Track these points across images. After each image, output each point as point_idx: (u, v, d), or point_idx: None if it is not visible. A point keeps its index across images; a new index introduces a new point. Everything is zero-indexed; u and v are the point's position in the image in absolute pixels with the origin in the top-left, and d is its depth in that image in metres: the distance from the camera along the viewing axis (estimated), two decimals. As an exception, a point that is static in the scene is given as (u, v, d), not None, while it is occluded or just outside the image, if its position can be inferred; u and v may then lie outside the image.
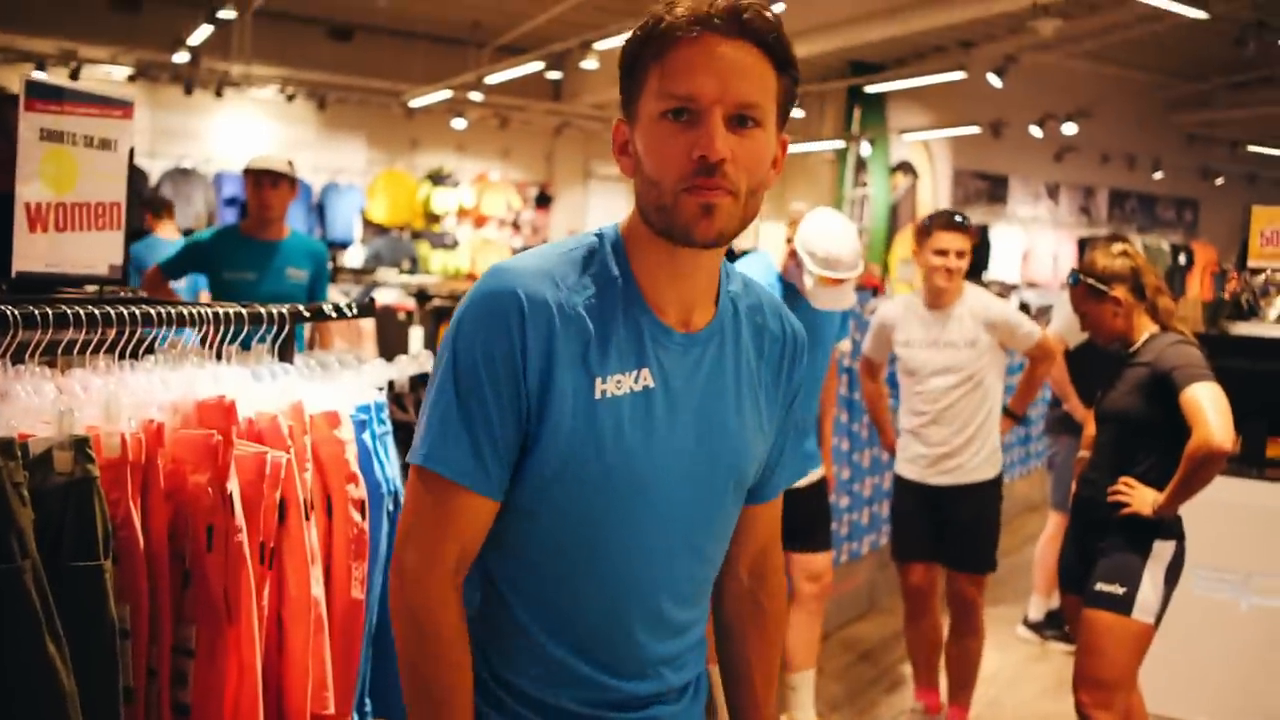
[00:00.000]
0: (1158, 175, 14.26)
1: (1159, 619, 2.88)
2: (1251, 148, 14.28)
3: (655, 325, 1.30)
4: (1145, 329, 3.04)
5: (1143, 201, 15.01)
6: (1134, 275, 3.05)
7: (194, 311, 1.83)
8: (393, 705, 2.00)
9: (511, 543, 1.31)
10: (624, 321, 1.28)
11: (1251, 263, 6.27)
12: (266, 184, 4.19)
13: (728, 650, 1.56)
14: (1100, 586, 2.91)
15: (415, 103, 11.30)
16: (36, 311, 1.57)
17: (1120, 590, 2.87)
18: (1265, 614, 3.86)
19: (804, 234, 3.30)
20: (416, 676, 1.29)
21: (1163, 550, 2.89)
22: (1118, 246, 3.13)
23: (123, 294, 2.02)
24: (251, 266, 4.15)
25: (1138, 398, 2.95)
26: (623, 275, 1.30)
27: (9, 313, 1.53)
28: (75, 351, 1.68)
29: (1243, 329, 5.98)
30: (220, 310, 1.87)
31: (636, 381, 1.28)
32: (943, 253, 3.64)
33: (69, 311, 1.61)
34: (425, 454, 1.26)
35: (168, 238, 6.35)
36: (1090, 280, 3.07)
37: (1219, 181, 15.09)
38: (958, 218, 3.69)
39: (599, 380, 1.25)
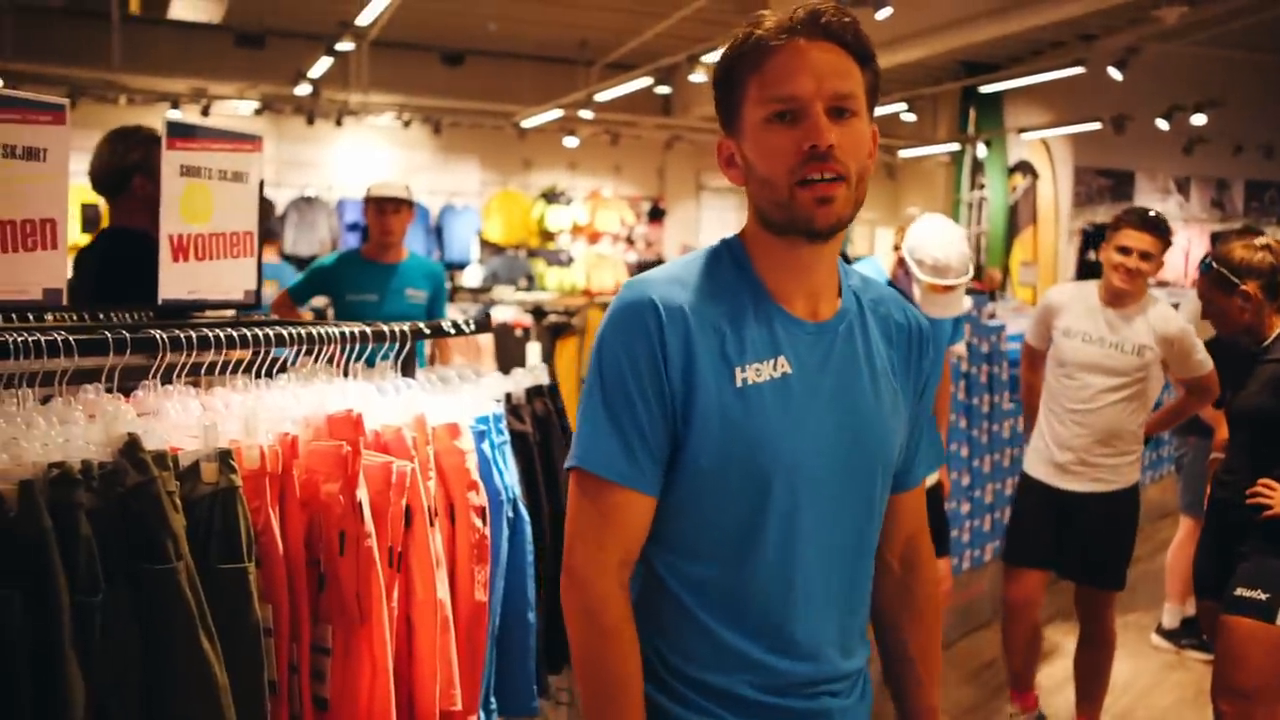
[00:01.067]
0: (1299, 165, 13.63)
1: None
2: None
3: (785, 317, 1.38)
4: (1277, 326, 2.95)
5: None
6: (1272, 273, 2.95)
7: (322, 332, 1.93)
8: (517, 704, 2.08)
9: (673, 536, 1.38)
10: (755, 315, 1.37)
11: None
12: (389, 210, 4.36)
13: (888, 640, 1.60)
14: (1241, 592, 2.81)
15: (527, 123, 11.53)
16: (181, 335, 1.69)
17: (1263, 596, 2.78)
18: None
19: (911, 241, 3.27)
20: (590, 670, 1.36)
21: None
22: (1261, 240, 3.03)
23: (257, 317, 2.15)
24: (373, 289, 4.32)
25: (1273, 396, 2.86)
26: (748, 275, 1.40)
27: (158, 337, 1.65)
28: (216, 372, 1.79)
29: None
30: (346, 329, 1.97)
31: (775, 369, 1.35)
32: (1126, 250, 3.41)
33: (210, 334, 1.73)
34: (580, 457, 1.35)
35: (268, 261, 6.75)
36: (1224, 270, 2.99)
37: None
38: (1151, 214, 3.43)
39: (738, 369, 1.34)
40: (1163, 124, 11.48)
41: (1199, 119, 11.33)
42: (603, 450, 1.34)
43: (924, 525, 1.60)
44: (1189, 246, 12.75)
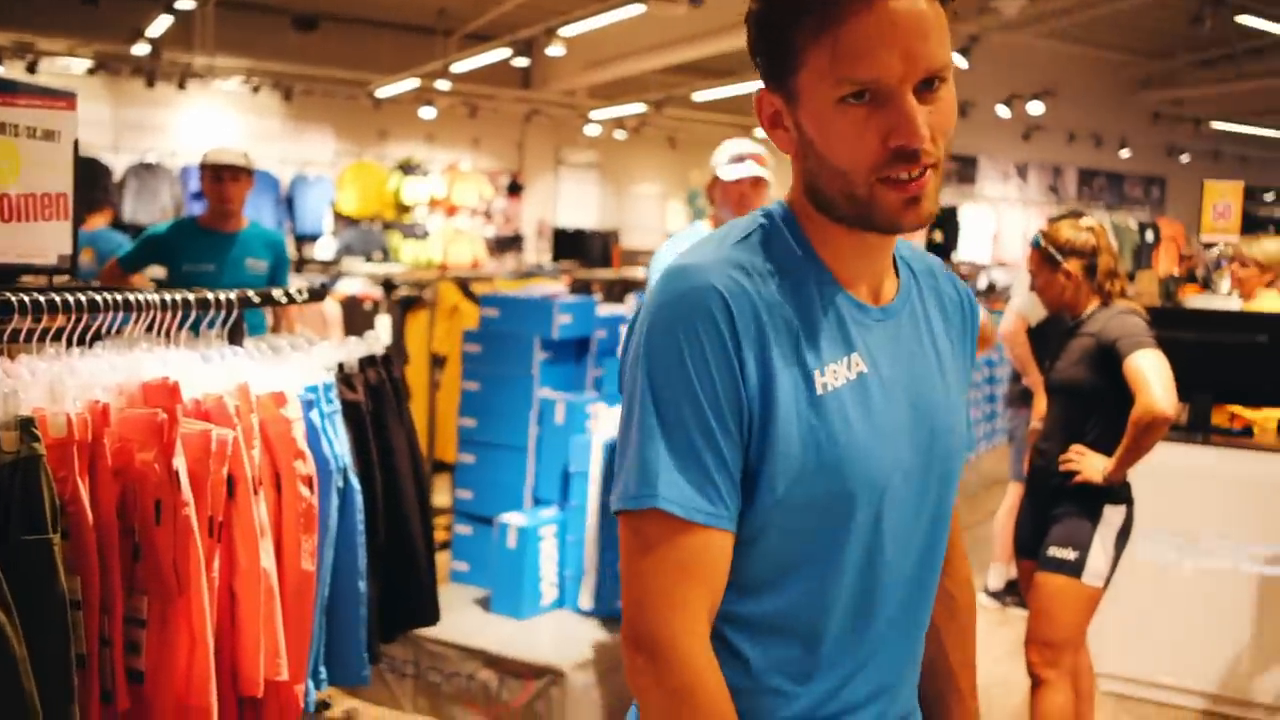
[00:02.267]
0: (1124, 153, 14.39)
1: (1108, 582, 2.98)
2: (1215, 124, 14.43)
3: (851, 303, 1.15)
4: (1092, 303, 3.13)
5: (1110, 179, 15.14)
6: (1091, 254, 3.12)
7: (141, 298, 1.88)
8: (348, 673, 2.07)
9: (734, 579, 1.11)
10: (822, 304, 1.13)
11: (1204, 237, 6.40)
12: (226, 177, 4.23)
13: (929, 651, 1.36)
14: (1052, 551, 3.00)
15: (382, 92, 11.30)
16: (-16, 298, 1.62)
17: (1072, 555, 2.96)
18: (1209, 575, 3.97)
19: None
20: None
21: (1113, 515, 2.98)
22: (1087, 221, 3.19)
23: (72, 283, 2.07)
24: (210, 258, 4.19)
25: (1084, 368, 3.04)
26: (807, 255, 1.14)
27: (-44, 299, 1.58)
28: (23, 339, 1.73)
29: (1196, 302, 6.10)
30: (168, 296, 1.92)
31: (850, 369, 1.12)
32: None
33: (14, 299, 1.67)
34: (642, 495, 1.06)
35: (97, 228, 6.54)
36: (1050, 248, 3.16)
37: (1184, 159, 15.24)
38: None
39: (818, 373, 1.09)
40: (1003, 111, 11.98)
41: (1036, 107, 11.86)
42: (673, 483, 1.05)
43: (958, 526, 1.36)
44: (1026, 230, 13.35)
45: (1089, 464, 2.97)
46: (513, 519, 3.97)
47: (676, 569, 1.06)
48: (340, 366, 2.20)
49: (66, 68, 10.11)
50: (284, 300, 2.20)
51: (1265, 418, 4.29)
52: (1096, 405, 3.02)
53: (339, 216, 11.46)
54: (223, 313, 2.03)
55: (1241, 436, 4.16)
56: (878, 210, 1.07)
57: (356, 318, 5.44)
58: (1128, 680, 4.02)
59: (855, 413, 1.10)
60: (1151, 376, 2.84)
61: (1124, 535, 3.01)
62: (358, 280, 6.05)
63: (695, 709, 1.05)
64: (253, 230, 4.39)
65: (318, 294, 2.38)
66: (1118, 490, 3.00)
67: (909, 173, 1.05)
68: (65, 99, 1.96)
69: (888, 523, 1.13)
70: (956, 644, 1.37)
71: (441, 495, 5.90)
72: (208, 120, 11.03)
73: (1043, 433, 3.20)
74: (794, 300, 1.11)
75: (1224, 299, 5.63)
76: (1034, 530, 3.15)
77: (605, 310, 4.84)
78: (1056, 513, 3.05)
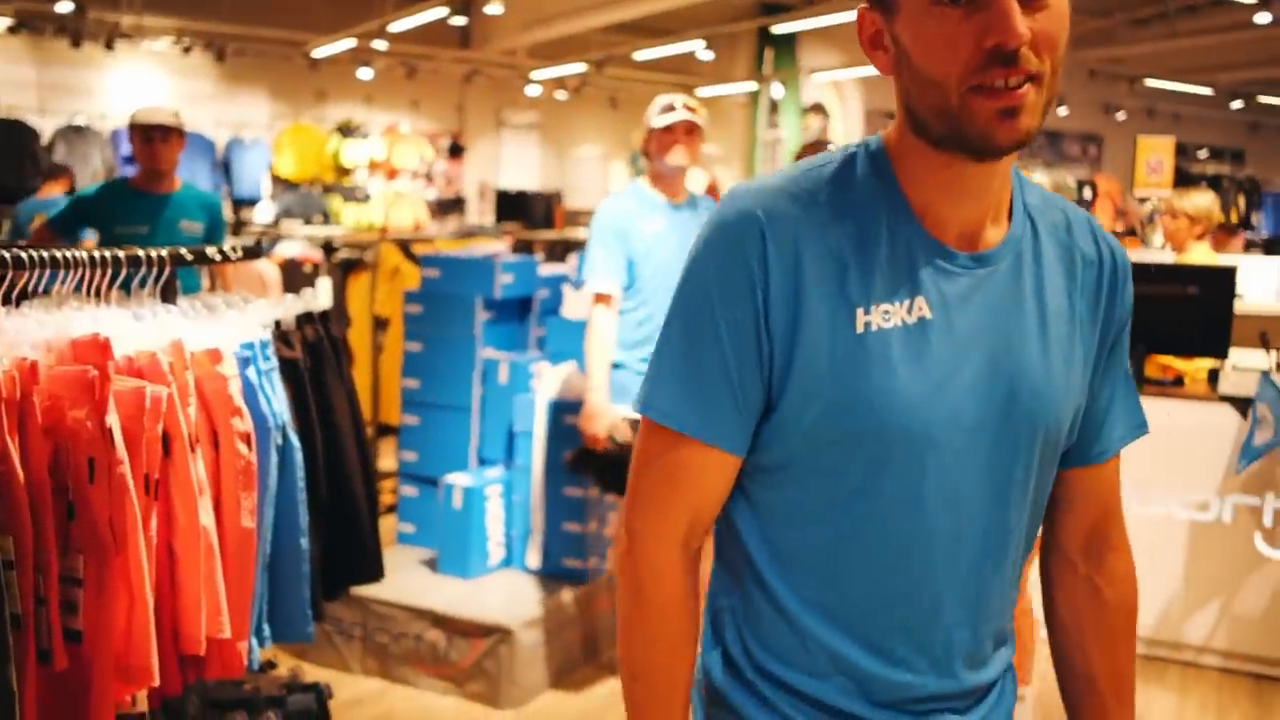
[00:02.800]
0: (1062, 111, 14.57)
1: None
2: (1150, 82, 14.65)
3: (931, 245, 1.08)
4: None
5: (1049, 137, 15.35)
6: None
7: (71, 255, 1.84)
8: (291, 630, 2.06)
9: (768, 506, 1.14)
10: (890, 241, 1.08)
11: (1138, 192, 6.51)
12: (156, 138, 4.13)
13: (1063, 651, 1.29)
14: None
15: (319, 53, 11.09)
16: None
17: None
18: (1142, 522, 4.08)
19: None
20: (633, 650, 1.16)
21: None
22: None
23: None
24: (143, 220, 4.10)
25: None
26: (888, 189, 1.09)
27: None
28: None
29: (1131, 256, 6.18)
30: (98, 254, 1.88)
31: (910, 312, 1.06)
32: None
33: (-64, 254, 1.63)
34: (647, 404, 1.11)
35: (52, 196, 6.34)
36: None
37: (1120, 116, 15.47)
38: None
39: (861, 311, 1.05)
40: (943, 69, 11.99)
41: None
42: (674, 397, 1.09)
43: (1116, 510, 1.28)
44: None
45: None
46: (458, 479, 3.97)
47: (662, 475, 1.12)
48: (277, 324, 2.18)
49: (-15, 27, 9.81)
50: (218, 258, 2.17)
51: (1196, 368, 4.39)
52: None
53: (277, 180, 11.27)
54: (154, 271, 2.00)
55: (1174, 386, 4.26)
56: (969, 123, 0.99)
57: (296, 281, 5.37)
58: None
59: (903, 357, 1.05)
60: None
61: None
62: (297, 243, 5.96)
63: (644, 602, 1.14)
64: (187, 192, 4.31)
65: (253, 252, 2.35)
66: None
67: (1005, 80, 0.97)
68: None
69: (936, 477, 1.08)
70: (1103, 649, 1.26)
71: (387, 458, 5.88)
72: (137, 82, 10.75)
73: None
74: (855, 234, 1.07)
75: (1157, 252, 5.76)
76: None
77: (548, 270, 4.83)
78: None
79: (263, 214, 10.73)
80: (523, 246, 7.42)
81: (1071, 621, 1.27)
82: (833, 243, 1.06)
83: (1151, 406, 4.03)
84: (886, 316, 1.06)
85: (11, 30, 9.77)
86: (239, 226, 7.63)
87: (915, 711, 1.14)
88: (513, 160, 13.69)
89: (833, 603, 1.12)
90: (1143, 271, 4.58)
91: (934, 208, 1.09)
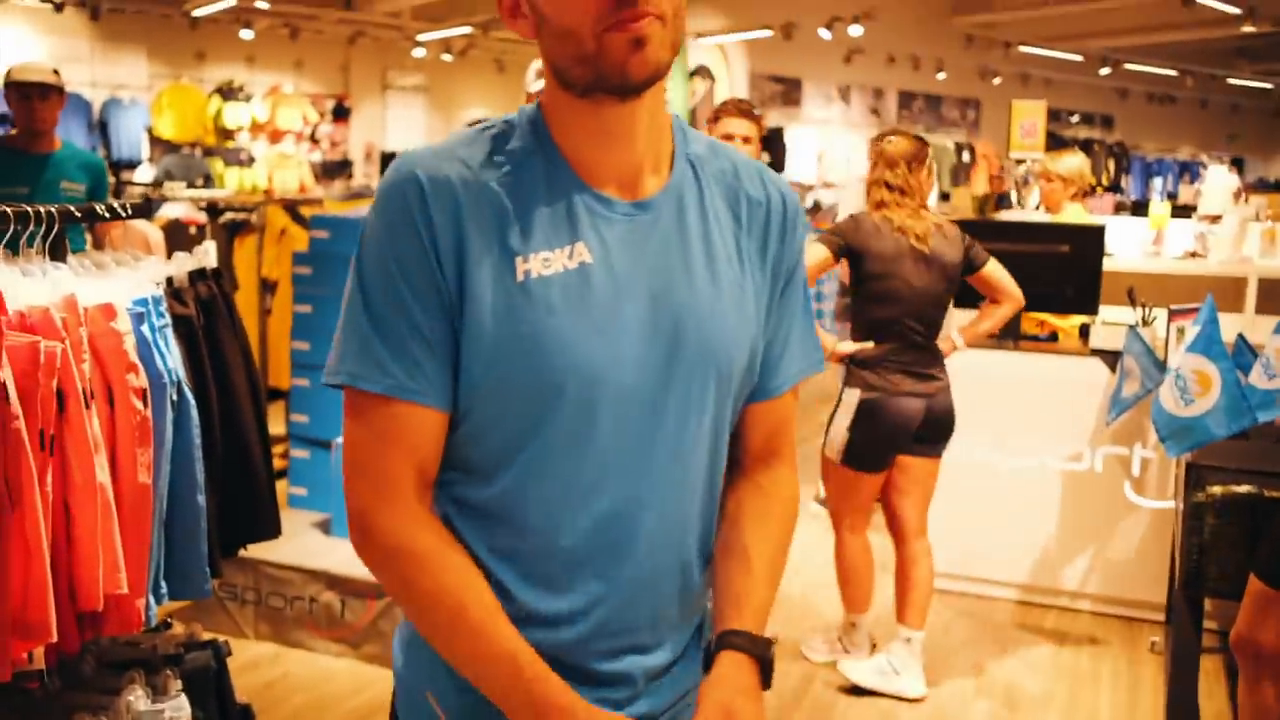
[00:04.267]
0: (941, 76, 14.94)
1: (851, 460, 3.41)
2: (1023, 48, 15.11)
3: (589, 194, 1.13)
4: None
5: (929, 101, 15.73)
6: (874, 165, 3.47)
7: (-47, 211, 1.82)
8: (189, 587, 2.08)
9: (451, 456, 1.14)
10: (548, 192, 1.12)
11: (1013, 154, 6.76)
12: (35, 97, 4.01)
13: (722, 534, 1.27)
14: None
15: (198, 12, 10.75)
16: None
17: (828, 433, 3.47)
18: (1018, 473, 4.28)
19: None
20: (425, 613, 1.11)
21: (849, 397, 3.41)
22: (894, 137, 3.49)
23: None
24: (23, 180, 3.98)
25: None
26: (544, 147, 1.14)
27: None
28: None
29: (1007, 215, 6.44)
30: (-19, 210, 1.86)
31: (570, 258, 1.10)
32: (729, 138, 3.69)
33: None
34: (347, 373, 1.09)
35: None
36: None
37: (997, 81, 15.93)
38: (744, 102, 3.77)
39: (520, 259, 1.09)
40: (825, 33, 12.24)
41: (856, 30, 12.15)
42: (369, 360, 1.08)
43: (786, 428, 1.31)
44: (849, 152, 13.77)
45: (826, 343, 3.37)
46: (352, 440, 3.97)
47: (374, 442, 1.10)
48: (170, 281, 2.18)
49: None
50: (108, 215, 2.15)
51: (1070, 325, 4.58)
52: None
53: (156, 142, 10.93)
54: (43, 228, 1.98)
55: (1048, 342, 4.45)
56: (606, 61, 1.05)
57: (182, 243, 5.25)
58: (947, 575, 4.25)
59: (564, 301, 1.09)
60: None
61: (864, 418, 3.36)
62: (181, 205, 5.82)
63: (401, 566, 1.10)
64: (67, 151, 4.19)
65: (144, 209, 2.33)
66: (852, 375, 3.42)
67: (633, 17, 1.03)
68: None
69: (610, 417, 1.11)
70: (756, 529, 1.25)
71: (277, 423, 5.81)
72: (6, 41, 10.28)
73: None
74: (513, 189, 1.11)
75: (1033, 213, 5.98)
76: None
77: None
78: None
79: (142, 176, 10.40)
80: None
81: (734, 510, 1.27)
82: (493, 198, 1.10)
83: (1026, 362, 4.28)
84: (547, 263, 1.09)
85: None
86: (119, 189, 7.40)
87: (604, 654, 1.16)
88: (399, 122, 13.50)
89: (525, 557, 1.13)
90: (1017, 229, 4.77)
91: (587, 156, 1.13)
